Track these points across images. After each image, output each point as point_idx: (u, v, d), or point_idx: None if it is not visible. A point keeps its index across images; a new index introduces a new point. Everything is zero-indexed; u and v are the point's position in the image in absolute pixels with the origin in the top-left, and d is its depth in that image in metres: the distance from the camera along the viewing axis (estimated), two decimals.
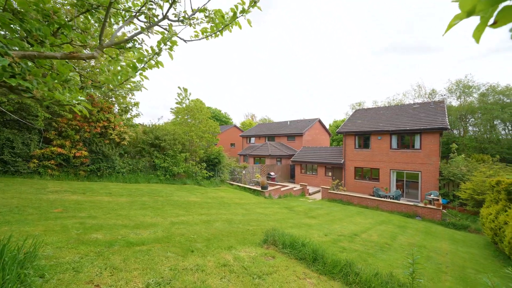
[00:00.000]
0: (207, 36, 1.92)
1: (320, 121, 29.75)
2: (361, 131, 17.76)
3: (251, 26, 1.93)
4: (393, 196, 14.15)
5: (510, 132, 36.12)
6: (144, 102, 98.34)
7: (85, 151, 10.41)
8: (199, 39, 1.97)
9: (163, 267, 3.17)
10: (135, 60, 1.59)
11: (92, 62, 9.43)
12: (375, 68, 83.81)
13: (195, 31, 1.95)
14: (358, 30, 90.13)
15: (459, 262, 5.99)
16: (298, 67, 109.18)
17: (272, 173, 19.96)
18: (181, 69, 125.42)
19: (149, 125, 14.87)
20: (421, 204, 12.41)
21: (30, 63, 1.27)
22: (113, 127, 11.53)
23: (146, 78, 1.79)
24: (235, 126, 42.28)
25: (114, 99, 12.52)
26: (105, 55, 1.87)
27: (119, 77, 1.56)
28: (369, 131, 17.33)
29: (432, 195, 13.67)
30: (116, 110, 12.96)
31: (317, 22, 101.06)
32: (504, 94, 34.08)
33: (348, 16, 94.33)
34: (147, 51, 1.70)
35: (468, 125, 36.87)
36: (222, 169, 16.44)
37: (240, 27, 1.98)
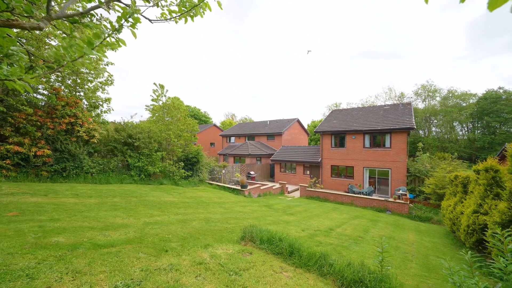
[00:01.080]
0: (175, 18, 1.82)
1: (299, 121, 30.43)
2: (337, 130, 18.49)
3: (221, 8, 1.88)
4: (366, 192, 14.94)
5: (466, 133, 40.24)
6: (121, 101, 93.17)
7: (48, 149, 9.52)
8: (167, 20, 1.87)
9: (134, 269, 2.99)
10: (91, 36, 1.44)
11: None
12: (350, 71, 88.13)
13: (163, 13, 1.85)
14: (336, 35, 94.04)
15: (423, 250, 6.48)
16: (280, 67, 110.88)
17: (252, 172, 19.97)
18: (160, 65, 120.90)
19: (121, 123, 13.96)
20: (391, 199, 13.27)
21: None
22: (81, 123, 10.69)
23: (105, 56, 1.63)
24: (214, 125, 41.62)
25: (82, 94, 11.61)
26: (57, 30, 1.68)
27: (71, 54, 1.40)
28: (344, 130, 18.10)
29: (400, 191, 14.68)
30: (85, 105, 12.03)
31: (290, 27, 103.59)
32: (461, 98, 37.94)
33: (326, 20, 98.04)
34: (105, 26, 1.56)
35: (432, 126, 40.35)
36: (201, 169, 16.07)
37: (210, 9, 1.92)
